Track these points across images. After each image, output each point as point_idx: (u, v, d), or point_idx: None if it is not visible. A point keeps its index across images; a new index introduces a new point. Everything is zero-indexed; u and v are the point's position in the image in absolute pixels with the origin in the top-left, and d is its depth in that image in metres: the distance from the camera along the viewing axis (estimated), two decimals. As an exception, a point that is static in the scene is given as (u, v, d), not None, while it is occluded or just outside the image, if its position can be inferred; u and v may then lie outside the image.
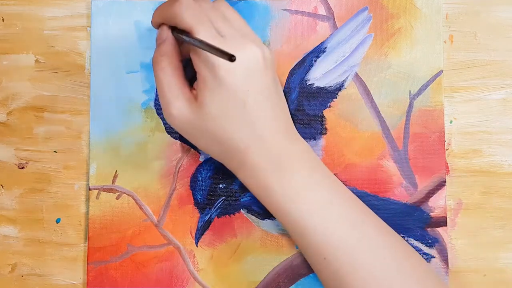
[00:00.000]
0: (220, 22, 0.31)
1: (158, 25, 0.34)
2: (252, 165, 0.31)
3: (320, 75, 0.38)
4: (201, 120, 0.31)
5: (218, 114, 0.30)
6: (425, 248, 0.37)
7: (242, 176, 0.32)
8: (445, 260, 0.37)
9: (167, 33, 0.32)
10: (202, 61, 0.30)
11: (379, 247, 0.31)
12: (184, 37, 0.30)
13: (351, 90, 0.38)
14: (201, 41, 0.28)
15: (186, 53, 0.33)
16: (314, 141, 0.38)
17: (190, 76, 0.33)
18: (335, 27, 0.39)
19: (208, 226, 0.38)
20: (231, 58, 0.26)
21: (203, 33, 0.29)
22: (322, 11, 0.39)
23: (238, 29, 0.32)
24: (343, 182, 0.38)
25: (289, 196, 0.31)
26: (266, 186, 0.31)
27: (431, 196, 0.37)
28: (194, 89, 0.32)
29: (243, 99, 0.30)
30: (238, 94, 0.30)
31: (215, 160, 0.37)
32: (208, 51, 0.28)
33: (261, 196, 0.32)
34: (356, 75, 0.38)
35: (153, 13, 0.33)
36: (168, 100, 0.31)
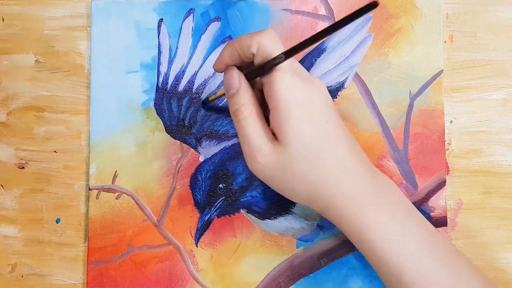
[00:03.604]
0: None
1: (224, 67, 0.31)
2: (343, 202, 0.29)
3: (320, 75, 0.38)
4: (287, 163, 0.28)
5: (303, 152, 0.28)
6: (425, 248, 0.37)
7: (332, 214, 0.30)
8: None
9: (239, 78, 0.30)
10: (282, 95, 0.28)
11: None
12: (272, 61, 0.28)
13: (351, 90, 0.38)
14: (332, 26, 0.25)
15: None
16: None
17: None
18: (335, 27, 0.39)
19: (208, 226, 0.38)
20: (375, 3, 0.22)
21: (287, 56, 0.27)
22: (322, 11, 0.39)
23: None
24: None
25: (387, 240, 0.29)
26: (361, 225, 0.29)
27: (431, 196, 0.37)
28: (273, 133, 0.30)
29: (326, 131, 0.29)
30: (321, 127, 0.28)
31: (215, 160, 0.37)
32: (342, 26, 0.24)
33: (355, 238, 0.30)
34: (356, 75, 0.38)
35: (223, 49, 0.31)
36: (255, 150, 0.29)
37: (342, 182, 0.29)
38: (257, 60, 0.29)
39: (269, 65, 0.28)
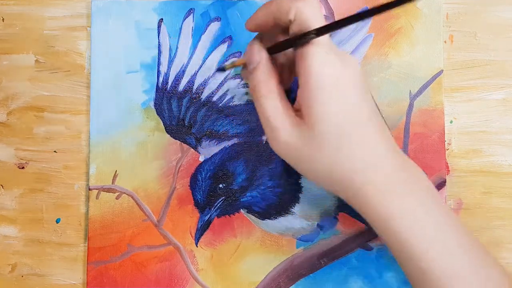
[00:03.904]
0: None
1: (255, 28, 0.29)
2: (369, 187, 0.27)
3: (320, 75, 0.38)
4: (314, 143, 0.27)
5: (332, 132, 0.26)
6: (425, 248, 0.37)
7: (355, 200, 0.28)
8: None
9: (260, 54, 0.29)
10: (315, 72, 0.26)
11: None
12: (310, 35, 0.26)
13: (351, 90, 0.38)
14: (374, 8, 0.23)
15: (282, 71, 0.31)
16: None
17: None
18: (335, 27, 0.39)
19: (208, 226, 0.38)
20: None
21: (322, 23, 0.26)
22: (322, 10, 0.39)
23: None
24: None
25: (412, 229, 0.27)
26: (386, 211, 0.27)
27: (431, 196, 0.37)
28: (297, 110, 0.29)
29: (357, 112, 0.27)
30: (353, 107, 0.27)
31: (215, 160, 0.37)
32: (381, 12, 0.23)
33: (379, 225, 0.28)
34: (356, 75, 0.38)
35: (258, 9, 0.29)
36: (275, 128, 0.28)
37: (370, 166, 0.27)
38: (293, 29, 0.27)
39: (302, 40, 0.26)
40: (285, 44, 0.28)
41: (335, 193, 0.29)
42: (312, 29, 0.26)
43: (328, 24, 0.26)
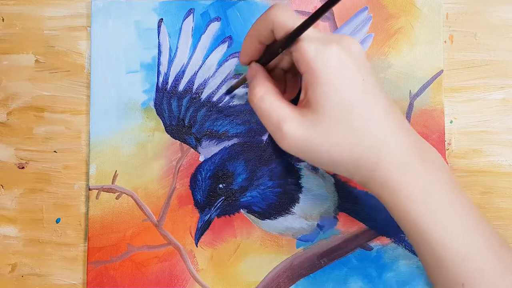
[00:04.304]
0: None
1: (249, 60, 0.31)
2: (387, 166, 0.26)
3: (320, 75, 0.38)
4: (321, 130, 0.26)
5: (339, 115, 0.26)
6: (425, 248, 0.37)
7: (374, 186, 0.27)
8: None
9: (255, 66, 0.30)
10: (310, 57, 0.26)
11: None
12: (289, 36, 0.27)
13: (351, 90, 0.38)
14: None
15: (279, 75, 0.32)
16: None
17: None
18: (335, 27, 0.39)
19: (208, 226, 0.38)
20: None
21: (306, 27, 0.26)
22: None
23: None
24: (343, 182, 0.38)
25: (431, 215, 0.26)
26: (404, 192, 0.26)
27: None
28: (304, 101, 0.28)
29: (363, 90, 0.26)
30: (357, 86, 0.26)
31: (215, 160, 0.37)
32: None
33: (397, 208, 0.27)
34: (356, 75, 0.38)
35: (242, 44, 0.31)
36: (277, 124, 0.27)
37: (385, 143, 0.26)
38: (278, 36, 0.28)
39: (290, 40, 0.27)
40: (275, 49, 0.29)
41: (354, 178, 0.28)
42: (294, 27, 0.27)
43: (305, 20, 0.26)
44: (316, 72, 0.26)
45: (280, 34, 0.28)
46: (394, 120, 0.27)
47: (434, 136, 0.38)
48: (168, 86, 0.39)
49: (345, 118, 0.26)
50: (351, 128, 0.26)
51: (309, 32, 0.27)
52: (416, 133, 0.29)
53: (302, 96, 0.28)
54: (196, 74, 0.39)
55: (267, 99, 0.28)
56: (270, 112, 0.28)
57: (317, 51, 0.26)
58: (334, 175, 0.38)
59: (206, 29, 0.39)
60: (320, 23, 0.39)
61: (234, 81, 0.38)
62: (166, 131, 0.38)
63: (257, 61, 0.31)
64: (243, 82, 0.36)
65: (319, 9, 0.24)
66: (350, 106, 0.26)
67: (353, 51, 0.27)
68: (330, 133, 0.26)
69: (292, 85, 0.32)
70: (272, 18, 0.27)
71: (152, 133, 0.38)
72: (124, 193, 0.38)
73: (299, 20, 0.27)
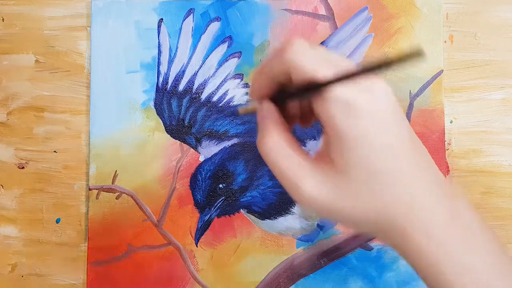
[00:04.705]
0: (341, 62, 0.25)
1: (260, 97, 0.27)
2: (419, 236, 0.24)
3: (320, 75, 0.38)
4: (346, 192, 0.24)
5: (366, 180, 0.24)
6: (425, 248, 0.37)
7: (406, 251, 0.25)
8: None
9: (267, 107, 0.26)
10: (337, 120, 0.24)
11: None
12: (306, 90, 0.24)
13: (351, 90, 0.38)
14: (362, 69, 0.22)
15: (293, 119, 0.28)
16: (314, 141, 0.38)
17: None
18: (335, 27, 0.39)
19: (208, 226, 0.38)
20: (419, 53, 0.20)
21: (328, 73, 0.23)
22: (322, 11, 0.39)
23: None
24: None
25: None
26: (440, 271, 0.24)
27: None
28: (326, 157, 0.26)
29: (393, 154, 0.24)
30: (387, 145, 0.24)
31: (215, 160, 0.37)
32: (369, 72, 0.22)
33: (427, 274, 0.25)
34: (356, 75, 0.38)
35: (252, 78, 0.27)
36: (296, 182, 0.25)
37: (416, 209, 0.25)
38: (297, 80, 0.25)
39: (311, 92, 0.24)
40: (291, 93, 0.26)
41: (379, 238, 0.27)
42: (314, 76, 0.24)
43: (334, 79, 0.23)
44: (344, 137, 0.24)
45: (297, 78, 0.25)
46: (427, 183, 0.25)
47: (434, 136, 0.38)
48: (168, 86, 0.39)
49: (373, 182, 0.24)
50: (379, 193, 0.24)
51: (335, 88, 0.24)
52: (453, 190, 0.26)
53: (322, 148, 0.26)
54: (196, 74, 0.39)
55: (279, 152, 0.25)
56: (285, 168, 0.25)
57: (345, 114, 0.24)
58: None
59: (206, 29, 0.39)
60: (320, 23, 0.39)
61: (245, 105, 0.37)
62: (166, 131, 0.38)
63: (270, 98, 0.27)
64: (254, 111, 0.33)
65: (352, 70, 0.23)
66: (379, 172, 0.24)
67: (383, 106, 0.25)
68: (355, 197, 0.24)
69: (309, 116, 0.29)
70: (288, 61, 0.24)
71: (152, 133, 0.38)
72: (124, 193, 0.38)
73: (320, 64, 0.24)
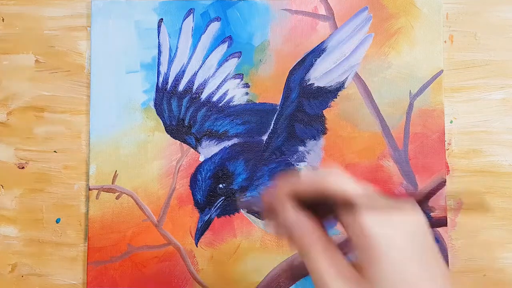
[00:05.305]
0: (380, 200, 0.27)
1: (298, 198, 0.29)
2: None
3: (320, 75, 0.38)
4: None
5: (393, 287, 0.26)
6: (425, 248, 0.37)
7: None
8: (445, 260, 0.37)
9: (295, 215, 0.28)
10: (372, 237, 0.26)
11: None
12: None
13: (351, 90, 0.38)
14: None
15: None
16: (314, 141, 0.38)
17: None
18: (335, 27, 0.39)
19: (208, 226, 0.38)
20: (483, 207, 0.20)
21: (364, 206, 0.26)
22: (322, 11, 0.39)
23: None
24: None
25: None
26: None
27: (431, 196, 0.37)
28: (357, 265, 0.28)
29: (420, 269, 0.27)
30: (414, 263, 0.26)
31: (215, 160, 0.37)
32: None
33: None
34: (356, 75, 0.38)
35: (266, 196, 0.28)
36: None
37: None
38: (337, 199, 0.27)
39: (348, 210, 0.26)
40: (327, 209, 0.28)
41: None
42: (353, 199, 0.26)
43: (370, 204, 0.26)
44: (376, 252, 0.26)
45: (339, 199, 0.27)
46: None
47: (434, 136, 0.38)
48: (168, 86, 0.39)
49: None
50: None
51: (367, 201, 0.27)
52: None
53: (355, 256, 0.28)
54: (196, 74, 0.39)
55: (324, 264, 0.28)
56: (326, 278, 0.27)
57: (380, 231, 0.26)
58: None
59: (206, 29, 0.39)
60: (320, 23, 0.39)
61: (245, 202, 0.38)
62: (166, 131, 0.38)
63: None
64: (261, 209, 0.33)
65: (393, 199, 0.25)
66: (407, 284, 0.26)
67: (412, 228, 0.27)
68: None
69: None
70: (330, 185, 0.27)
71: (152, 133, 0.38)
72: (124, 193, 0.38)
73: (357, 189, 0.27)
